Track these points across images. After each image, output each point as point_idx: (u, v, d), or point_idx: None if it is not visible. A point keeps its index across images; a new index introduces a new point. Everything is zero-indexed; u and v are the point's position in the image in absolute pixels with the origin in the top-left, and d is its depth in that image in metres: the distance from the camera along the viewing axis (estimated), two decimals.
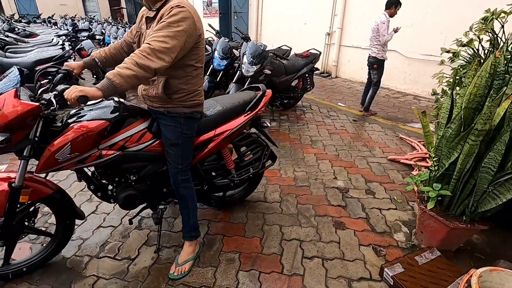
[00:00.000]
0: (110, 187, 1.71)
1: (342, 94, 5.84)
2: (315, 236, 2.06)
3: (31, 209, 1.62)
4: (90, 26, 9.19)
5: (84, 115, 1.47)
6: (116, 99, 1.59)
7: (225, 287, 1.66)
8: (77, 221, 2.04)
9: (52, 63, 4.16)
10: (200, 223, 2.12)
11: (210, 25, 4.52)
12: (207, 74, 4.19)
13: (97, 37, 7.48)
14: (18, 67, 1.41)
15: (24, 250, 1.87)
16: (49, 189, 1.57)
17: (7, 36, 6.10)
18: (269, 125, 2.06)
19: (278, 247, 1.96)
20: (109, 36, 6.84)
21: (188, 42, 1.39)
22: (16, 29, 7.96)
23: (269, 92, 2.01)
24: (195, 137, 1.71)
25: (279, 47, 4.92)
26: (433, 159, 1.70)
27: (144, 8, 1.53)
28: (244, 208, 2.33)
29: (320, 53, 4.63)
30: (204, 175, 1.91)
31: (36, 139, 1.38)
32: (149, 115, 1.65)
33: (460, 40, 1.99)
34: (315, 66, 4.64)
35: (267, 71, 3.65)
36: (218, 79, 4.16)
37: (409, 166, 3.02)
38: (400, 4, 3.97)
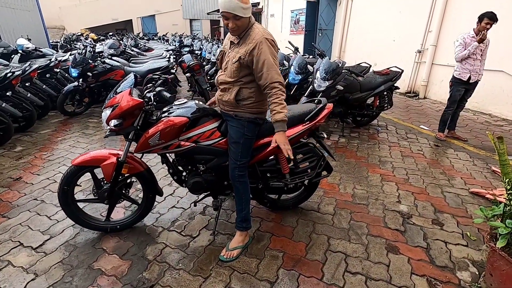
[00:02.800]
0: (184, 173, 2.10)
1: (428, 116, 5.32)
2: (363, 254, 2.02)
3: (128, 181, 2.12)
4: (192, 43, 10.74)
5: (172, 112, 1.87)
6: (197, 102, 1.97)
7: (265, 279, 1.81)
8: (158, 199, 2.53)
9: (159, 72, 5.12)
10: (253, 219, 2.34)
11: (290, 42, 4.82)
12: None
13: (196, 52, 8.71)
14: (134, 73, 1.92)
15: (120, 213, 2.42)
16: (142, 167, 2.03)
17: (132, 50, 7.72)
18: (325, 136, 2.14)
19: (322, 256, 2.00)
20: (205, 51, 7.91)
21: None
22: (139, 45, 9.95)
23: (329, 105, 2.11)
24: (256, 139, 1.95)
25: (358, 64, 4.85)
26: (509, 192, 1.51)
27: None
28: (296, 214, 2.44)
29: (402, 71, 4.37)
30: (260, 175, 2.12)
31: (138, 127, 1.83)
32: (220, 117, 1.97)
33: None
34: (395, 85, 4.40)
35: (339, 87, 3.69)
36: (291, 93, 4.38)
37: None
38: (491, 19, 3.41)
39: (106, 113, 1.76)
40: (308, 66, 4.08)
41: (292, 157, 1.70)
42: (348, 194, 2.76)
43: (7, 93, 3.89)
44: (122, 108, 1.70)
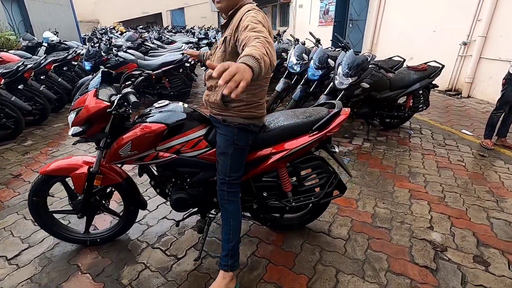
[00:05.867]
0: (168, 186, 1.81)
1: (472, 119, 4.60)
2: None
3: (107, 190, 1.87)
4: (216, 35, 10.47)
5: (150, 116, 1.57)
6: (181, 103, 1.65)
7: None
8: (150, 208, 2.30)
9: (173, 65, 4.91)
10: (250, 240, 2.03)
11: (310, 33, 4.36)
12: (301, 83, 4.03)
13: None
14: (104, 69, 1.64)
15: (106, 222, 2.20)
16: (120, 178, 1.77)
17: (153, 43, 7.61)
18: (337, 150, 1.73)
19: None
20: None
21: None
22: (162, 37, 9.87)
23: (345, 111, 1.69)
24: (251, 151, 1.60)
25: (390, 58, 4.27)
26: None
27: None
28: (301, 236, 2.07)
29: (443, 66, 3.74)
30: (256, 192, 1.77)
31: (108, 133, 1.56)
32: (208, 123, 1.64)
33: None
34: (434, 83, 3.79)
35: (365, 85, 3.19)
36: (311, 90, 3.94)
37: None
38: None
39: (71, 116, 1.50)
40: (330, 60, 3.61)
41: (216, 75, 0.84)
42: (368, 213, 2.33)
43: (19, 86, 3.87)
44: (86, 113, 1.43)
